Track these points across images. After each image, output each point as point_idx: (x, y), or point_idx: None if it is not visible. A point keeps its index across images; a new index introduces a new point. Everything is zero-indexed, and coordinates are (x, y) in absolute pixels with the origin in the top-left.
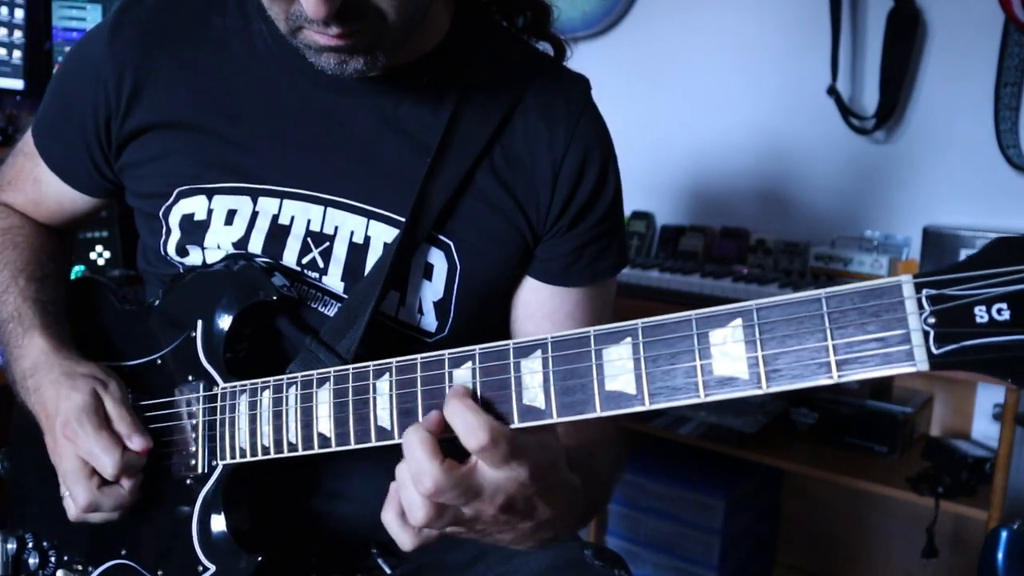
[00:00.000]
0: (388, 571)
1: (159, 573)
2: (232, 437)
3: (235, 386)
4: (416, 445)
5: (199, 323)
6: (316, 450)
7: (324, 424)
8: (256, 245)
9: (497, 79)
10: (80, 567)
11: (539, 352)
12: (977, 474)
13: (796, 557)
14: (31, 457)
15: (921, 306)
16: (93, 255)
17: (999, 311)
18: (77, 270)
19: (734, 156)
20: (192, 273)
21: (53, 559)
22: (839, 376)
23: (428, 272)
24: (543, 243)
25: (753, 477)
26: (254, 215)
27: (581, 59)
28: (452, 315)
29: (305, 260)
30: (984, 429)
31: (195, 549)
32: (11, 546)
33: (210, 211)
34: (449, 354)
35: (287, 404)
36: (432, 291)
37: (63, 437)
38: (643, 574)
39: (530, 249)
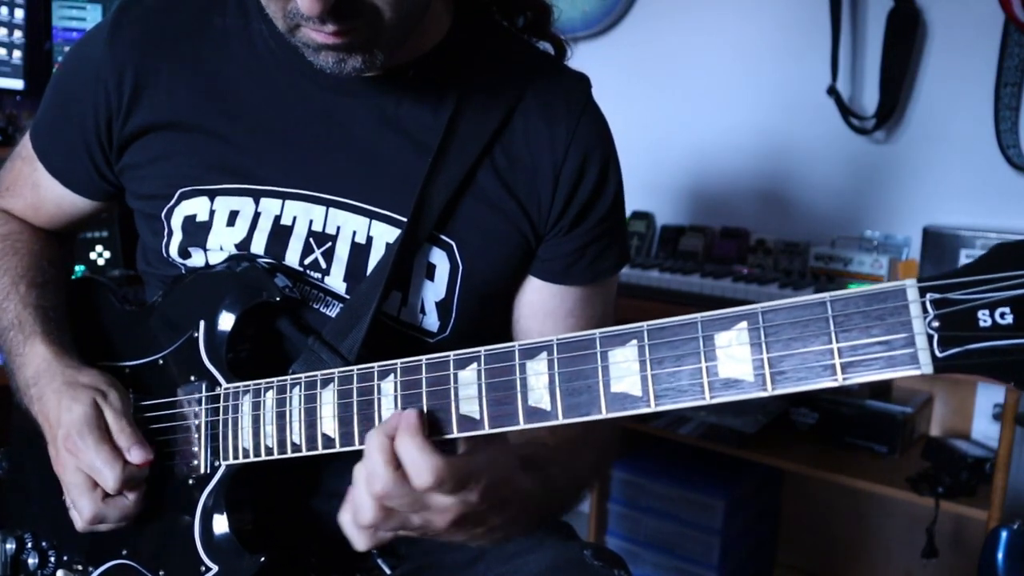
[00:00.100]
0: (388, 571)
1: (160, 573)
2: (235, 438)
3: (238, 386)
4: (375, 449)
5: (201, 323)
6: (320, 451)
7: (328, 425)
8: (259, 246)
9: (498, 79)
10: (80, 567)
11: (544, 354)
12: (977, 474)
13: (796, 557)
14: (31, 458)
15: (925, 310)
16: (93, 255)
17: (1002, 315)
18: (77, 270)
19: (734, 156)
20: (194, 274)
21: (53, 559)
22: (844, 379)
23: (430, 272)
24: (545, 243)
25: (753, 477)
26: (256, 216)
27: (581, 59)
28: (454, 315)
29: (307, 261)
30: (984, 429)
31: (197, 549)
32: (10, 546)
33: (212, 212)
34: (454, 355)
35: (291, 405)
36: (434, 291)
37: (65, 450)
38: (643, 574)
39: (532, 249)
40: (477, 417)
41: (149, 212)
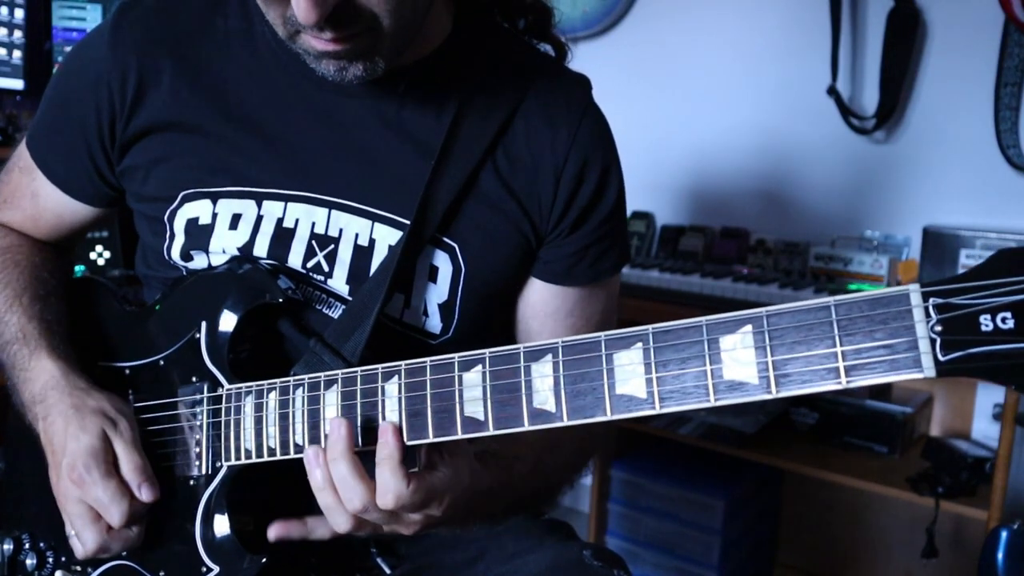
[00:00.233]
0: (388, 571)
1: (161, 574)
2: (237, 438)
3: (240, 387)
4: (346, 473)
5: (203, 324)
6: None
7: None
8: (261, 249)
9: (499, 80)
10: (79, 568)
11: (550, 356)
12: (977, 474)
13: (796, 557)
14: (29, 458)
15: (928, 314)
16: (93, 255)
17: (1003, 320)
18: (77, 270)
19: (734, 156)
20: (195, 275)
21: (51, 560)
22: (848, 382)
23: (433, 274)
24: (546, 244)
25: (753, 477)
26: (259, 219)
27: (581, 59)
28: (457, 317)
29: (310, 264)
30: (984, 429)
31: (198, 550)
32: (8, 547)
33: (215, 215)
34: (459, 357)
35: (294, 406)
36: (437, 293)
37: (69, 480)
38: (643, 574)
39: (533, 250)
40: (482, 419)
41: (151, 214)
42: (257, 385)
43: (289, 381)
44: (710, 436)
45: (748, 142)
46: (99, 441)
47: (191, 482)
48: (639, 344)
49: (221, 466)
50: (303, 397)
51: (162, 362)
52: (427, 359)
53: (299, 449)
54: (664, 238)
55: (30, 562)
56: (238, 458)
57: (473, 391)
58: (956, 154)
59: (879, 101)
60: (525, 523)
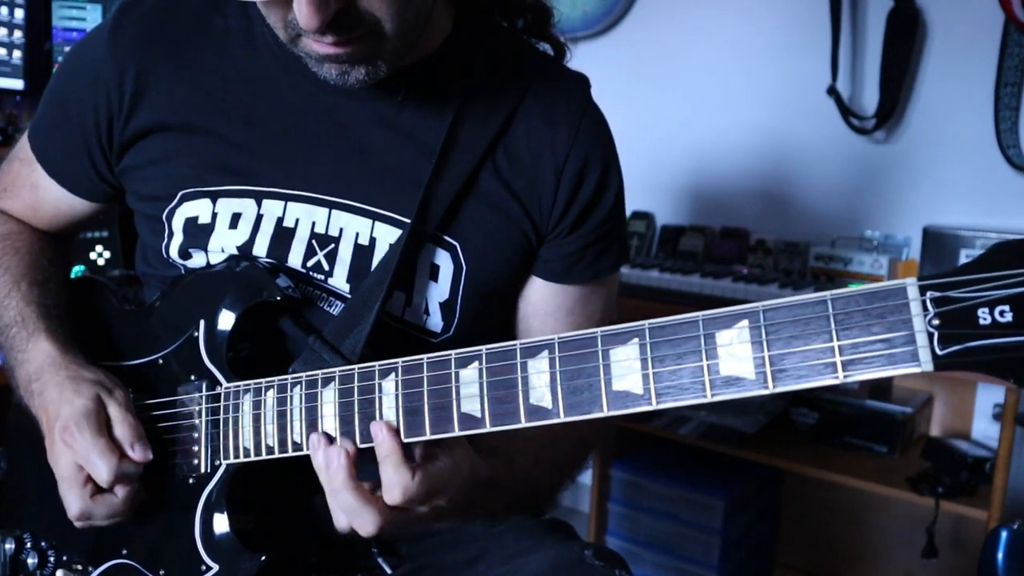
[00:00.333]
0: (388, 571)
1: (161, 573)
2: (236, 437)
3: (239, 386)
4: (349, 493)
5: (202, 323)
6: None
7: (329, 424)
8: (261, 248)
9: (499, 80)
10: (80, 567)
11: (546, 352)
12: (977, 474)
13: (796, 557)
14: (29, 457)
15: (926, 308)
16: (93, 255)
17: (1001, 313)
18: (77, 270)
19: (734, 156)
20: (194, 273)
21: (52, 559)
22: (845, 376)
23: (434, 273)
24: (546, 243)
25: (753, 477)
26: (259, 218)
27: (581, 59)
28: (458, 315)
29: (310, 263)
30: (984, 429)
31: (198, 549)
32: (9, 546)
33: (214, 214)
34: (456, 354)
35: (291, 404)
36: (438, 292)
37: (61, 441)
38: (643, 574)
39: (533, 249)
40: (479, 416)
41: (150, 213)
42: (255, 383)
43: (287, 379)
44: (710, 436)
45: (748, 142)
46: (93, 403)
47: (190, 480)
48: (635, 340)
49: (220, 464)
50: (301, 395)
51: (161, 361)
52: (424, 356)
53: (297, 447)
54: (664, 238)
55: (32, 561)
56: (237, 456)
57: (470, 388)
58: (956, 154)
59: (879, 101)
60: (526, 523)
